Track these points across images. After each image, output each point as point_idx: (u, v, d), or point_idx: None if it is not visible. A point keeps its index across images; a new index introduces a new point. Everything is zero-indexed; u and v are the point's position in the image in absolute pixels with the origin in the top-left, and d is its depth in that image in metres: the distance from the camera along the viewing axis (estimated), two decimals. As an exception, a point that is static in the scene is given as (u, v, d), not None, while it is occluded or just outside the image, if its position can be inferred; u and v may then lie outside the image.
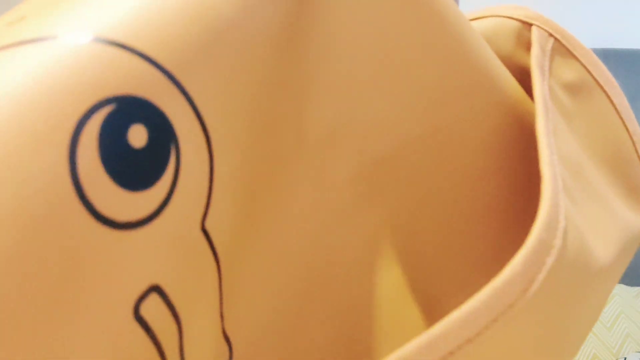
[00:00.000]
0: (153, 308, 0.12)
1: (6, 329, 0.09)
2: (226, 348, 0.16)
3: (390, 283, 0.17)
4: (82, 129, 0.11)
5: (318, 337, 0.16)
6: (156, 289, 0.12)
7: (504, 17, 0.20)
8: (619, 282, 1.06)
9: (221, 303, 0.15)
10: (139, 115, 0.11)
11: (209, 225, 0.13)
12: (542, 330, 0.15)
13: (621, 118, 0.20)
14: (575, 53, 0.20)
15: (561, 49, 0.20)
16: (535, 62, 0.18)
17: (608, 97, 0.20)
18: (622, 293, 1.00)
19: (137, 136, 0.11)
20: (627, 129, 0.20)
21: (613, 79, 0.21)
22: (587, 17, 1.25)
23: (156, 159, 0.11)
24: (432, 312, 0.17)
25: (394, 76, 0.16)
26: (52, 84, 0.11)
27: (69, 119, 0.10)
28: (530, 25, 0.20)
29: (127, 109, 0.11)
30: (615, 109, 0.20)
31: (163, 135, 0.11)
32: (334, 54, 0.16)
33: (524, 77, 0.19)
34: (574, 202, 0.16)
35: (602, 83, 0.20)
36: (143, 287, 0.11)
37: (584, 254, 0.15)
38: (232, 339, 0.16)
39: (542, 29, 0.19)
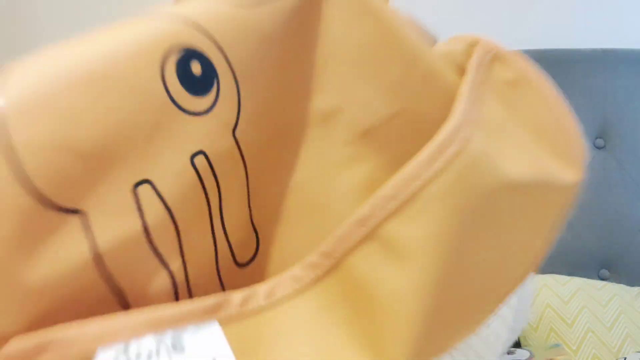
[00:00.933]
0: (201, 164, 0.20)
1: (76, 144, 0.17)
2: (254, 235, 0.24)
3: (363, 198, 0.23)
4: (167, 59, 0.20)
5: (307, 230, 0.24)
6: (203, 153, 0.21)
7: (460, 40, 0.29)
8: (619, 282, 1.05)
9: (249, 197, 0.23)
10: (197, 57, 0.20)
11: (237, 134, 0.22)
12: (456, 226, 0.20)
13: (549, 104, 0.27)
14: (511, 59, 0.28)
15: (501, 57, 0.27)
16: (472, 63, 0.26)
17: (539, 89, 0.27)
18: (622, 293, 1.00)
19: (196, 68, 0.20)
20: (552, 113, 0.27)
21: (544, 76, 0.28)
22: (587, 17, 1.25)
23: (206, 81, 0.21)
24: None
25: (372, 74, 0.25)
26: (155, 32, 0.20)
27: (160, 52, 0.20)
28: (476, 44, 0.28)
29: (192, 52, 0.20)
30: (545, 98, 0.27)
31: (210, 70, 0.21)
32: (333, 58, 0.25)
33: None
34: (486, 133, 0.23)
35: (534, 79, 0.27)
36: (195, 149, 0.20)
37: (489, 161, 0.22)
38: (258, 230, 0.24)
39: (484, 47, 0.27)
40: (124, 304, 0.19)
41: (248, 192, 0.23)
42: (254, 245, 0.24)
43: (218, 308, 0.19)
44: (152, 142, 0.19)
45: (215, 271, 0.22)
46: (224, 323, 0.19)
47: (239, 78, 0.21)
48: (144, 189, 0.18)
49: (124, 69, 0.18)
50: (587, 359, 0.91)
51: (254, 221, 0.23)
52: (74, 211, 0.17)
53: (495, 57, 0.27)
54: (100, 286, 0.18)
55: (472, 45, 0.27)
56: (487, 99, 0.25)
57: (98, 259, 0.17)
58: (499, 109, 0.25)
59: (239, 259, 0.23)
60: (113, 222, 0.18)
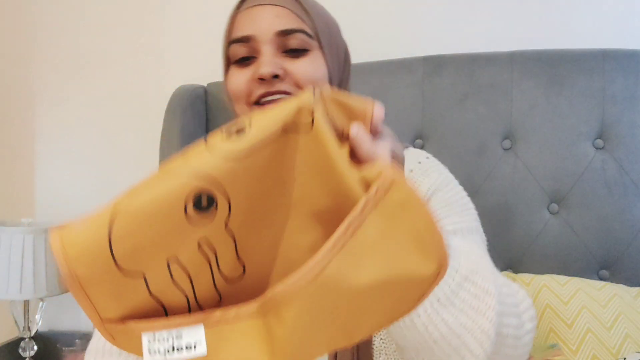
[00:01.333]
0: (204, 245, 0.40)
1: (139, 245, 0.38)
2: (241, 265, 0.42)
3: (311, 253, 0.38)
4: (189, 197, 0.38)
5: (275, 266, 0.44)
6: (205, 238, 0.40)
7: (375, 166, 0.40)
8: (619, 282, 1.05)
9: (236, 246, 0.42)
10: (206, 193, 0.38)
11: (229, 224, 0.41)
12: (311, 313, 0.38)
13: (423, 217, 0.39)
14: (403, 184, 0.38)
15: (396, 182, 0.38)
16: (370, 188, 0.38)
17: (418, 206, 0.39)
18: (622, 293, 1.00)
19: (204, 200, 0.38)
20: (424, 223, 0.39)
21: (422, 196, 0.40)
22: (587, 17, 1.25)
23: (210, 205, 0.39)
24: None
25: (319, 184, 0.41)
26: (182, 185, 0.38)
27: (185, 192, 0.38)
28: (382, 173, 0.39)
29: (203, 191, 0.38)
30: (421, 213, 0.39)
31: (212, 200, 0.39)
32: (300, 170, 0.42)
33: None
34: (347, 252, 0.37)
35: (416, 198, 0.39)
36: (200, 238, 0.40)
37: (339, 278, 0.37)
38: (244, 261, 0.43)
39: (385, 175, 0.38)
40: (165, 313, 0.40)
41: (235, 245, 0.42)
42: (241, 270, 0.43)
43: (205, 318, 0.39)
44: (177, 240, 0.38)
45: (214, 289, 0.42)
46: (206, 326, 0.39)
47: (230, 197, 0.39)
48: (172, 261, 0.39)
49: (164, 211, 0.37)
50: (586, 359, 0.91)
51: (240, 256, 0.42)
52: (139, 273, 0.38)
53: (392, 183, 0.38)
54: (154, 304, 0.39)
55: (379, 173, 0.39)
56: (371, 219, 0.38)
57: (151, 294, 0.39)
58: (379, 226, 0.38)
59: (230, 278, 0.42)
60: (157, 277, 0.39)
